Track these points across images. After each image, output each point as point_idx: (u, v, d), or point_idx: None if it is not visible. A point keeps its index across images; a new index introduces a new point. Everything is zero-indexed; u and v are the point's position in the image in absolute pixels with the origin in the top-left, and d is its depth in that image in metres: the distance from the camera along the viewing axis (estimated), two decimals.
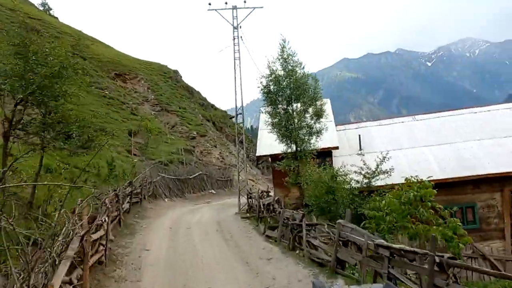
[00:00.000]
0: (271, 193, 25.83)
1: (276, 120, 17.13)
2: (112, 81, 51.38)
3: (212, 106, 67.36)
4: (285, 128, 16.91)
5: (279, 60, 16.98)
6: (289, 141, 16.92)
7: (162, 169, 32.17)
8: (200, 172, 35.47)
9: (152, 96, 54.38)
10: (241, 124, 26.30)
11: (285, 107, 17.35)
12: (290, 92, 16.88)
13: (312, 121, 17.37)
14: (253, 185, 47.16)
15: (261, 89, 17.19)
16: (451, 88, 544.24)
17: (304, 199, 16.66)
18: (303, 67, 17.19)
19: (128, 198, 17.73)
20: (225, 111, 68.47)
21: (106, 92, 42.59)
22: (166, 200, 26.23)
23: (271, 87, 17.21)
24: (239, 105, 24.74)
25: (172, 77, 64.14)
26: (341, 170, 17.53)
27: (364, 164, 17.89)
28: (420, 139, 23.58)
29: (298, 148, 17.17)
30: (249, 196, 19.61)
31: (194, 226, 16.87)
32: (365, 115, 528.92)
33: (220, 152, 50.95)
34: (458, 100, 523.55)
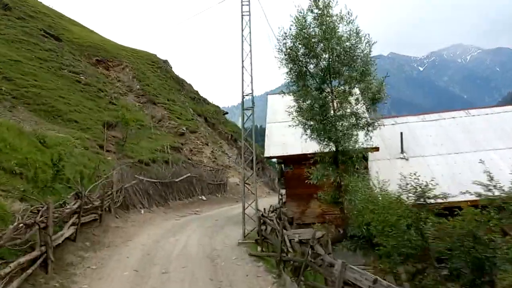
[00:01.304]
0: (280, 207, 19.67)
1: (306, 104, 10.84)
2: (93, 67, 44.80)
3: (204, 100, 60.96)
4: (322, 116, 10.67)
5: (310, 11, 10.71)
6: (324, 137, 10.69)
7: (141, 170, 25.82)
8: (189, 174, 29.15)
9: (138, 86, 47.87)
10: (247, 124, 17.54)
11: (318, 85, 11.16)
12: (329, 60, 10.74)
13: (358, 106, 11.21)
14: (249, 190, 40.98)
15: (283, 58, 10.94)
16: (442, 93, 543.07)
17: (349, 228, 10.38)
18: (351, 22, 11.01)
19: (75, 218, 11.47)
20: (218, 107, 62.12)
21: (81, 77, 36.05)
22: (142, 211, 19.90)
23: (300, 50, 10.97)
24: (246, 92, 16.82)
25: (161, 67, 57.64)
26: (379, 180, 11.45)
27: (414, 174, 11.73)
28: (482, 140, 17.60)
29: (340, 148, 10.98)
30: (261, 221, 12.80)
31: (174, 266, 10.64)
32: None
33: (212, 151, 44.66)
34: (449, 104, 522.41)
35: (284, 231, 9.60)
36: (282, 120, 19.23)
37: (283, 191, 31.79)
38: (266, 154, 17.42)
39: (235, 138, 55.87)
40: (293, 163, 17.34)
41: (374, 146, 15.83)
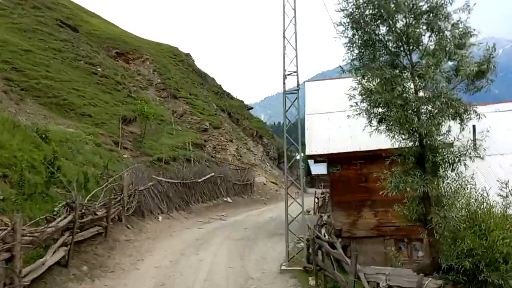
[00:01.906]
0: (323, 216, 16.55)
1: (376, 82, 7.70)
2: (112, 60, 42.49)
3: (228, 94, 58.13)
4: (403, 99, 7.46)
5: None
6: (404, 128, 7.51)
7: (160, 170, 23.09)
8: (212, 174, 26.27)
9: (159, 80, 45.40)
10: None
11: (391, 58, 7.99)
12: (406, 24, 7.53)
13: (447, 85, 7.95)
14: (277, 191, 38.00)
15: (344, 21, 7.81)
16: None
17: (441, 257, 7.21)
18: None
19: (67, 236, 8.66)
20: (242, 101, 59.19)
21: (98, 69, 33.61)
22: (160, 218, 17.08)
23: (367, 10, 7.80)
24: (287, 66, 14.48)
25: (183, 60, 55.11)
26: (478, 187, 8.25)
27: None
28: None
29: (428, 143, 7.77)
30: (316, 246, 9.28)
31: None
32: None
33: (236, 148, 41.78)
34: (480, 100, 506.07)
35: (359, 267, 6.45)
36: (324, 111, 16.09)
37: (318, 191, 28.68)
38: (308, 152, 14.29)
39: (260, 135, 52.89)
40: (340, 163, 14.18)
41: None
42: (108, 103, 28.90)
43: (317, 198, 25.46)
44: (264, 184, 36.84)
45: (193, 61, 58.03)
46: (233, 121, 51.02)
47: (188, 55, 57.87)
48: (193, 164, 27.47)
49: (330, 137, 14.34)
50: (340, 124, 14.89)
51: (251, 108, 59.75)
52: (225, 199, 26.76)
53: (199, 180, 24.24)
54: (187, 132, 35.41)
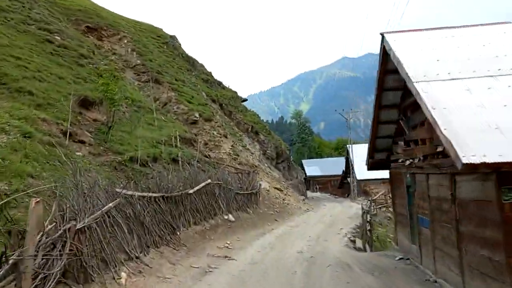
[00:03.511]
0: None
1: None
2: (81, 35, 33.83)
3: (219, 84, 49.93)
4: None
5: None
6: None
7: (133, 176, 14.91)
8: (209, 181, 18.19)
9: (138, 61, 36.94)
10: None
11: None
12: None
13: None
14: (284, 200, 30.08)
15: None
16: None
17: None
18: None
19: None
20: (236, 92, 51.09)
21: (56, 37, 25.03)
22: (124, 274, 8.96)
23: None
24: None
25: (168, 42, 46.67)
26: None
27: None
28: None
29: None
30: None
31: None
32: (362, 115, 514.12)
33: (232, 145, 33.72)
34: None
35: None
36: (454, 75, 8.15)
37: (363, 201, 20.93)
38: (462, 155, 6.38)
39: (256, 131, 44.83)
40: None
41: None
42: (63, 79, 20.41)
43: (367, 213, 17.66)
44: (267, 191, 28.87)
45: (179, 44, 49.61)
46: (226, 114, 42.89)
47: (173, 37, 49.44)
48: (181, 166, 19.34)
49: (498, 125, 6.46)
50: (495, 99, 7.14)
51: (246, 100, 51.68)
52: (226, 216, 18.64)
53: (191, 191, 16.10)
54: (172, 123, 27.18)
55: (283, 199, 28.64)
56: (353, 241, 15.46)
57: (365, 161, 14.78)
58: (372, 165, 14.16)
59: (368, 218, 14.77)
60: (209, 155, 25.90)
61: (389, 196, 25.30)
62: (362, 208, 20.45)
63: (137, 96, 27.21)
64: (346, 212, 27.14)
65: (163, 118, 26.15)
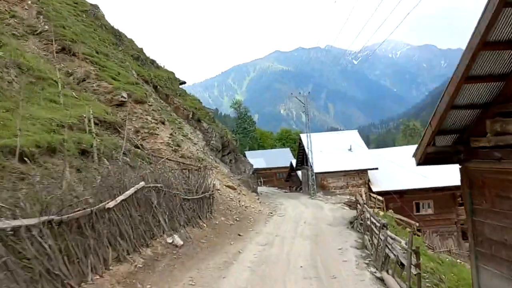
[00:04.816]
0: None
1: None
2: None
3: (153, 62, 42.16)
4: None
5: None
6: None
7: (10, 181, 7.73)
8: (142, 185, 11.35)
9: (46, 27, 28.35)
10: None
11: None
12: None
13: None
14: (240, 202, 23.60)
15: None
16: (374, 86, 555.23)
17: None
18: None
19: None
20: (173, 73, 43.55)
21: None
22: None
23: None
24: None
25: (87, 11, 37.97)
26: None
27: None
28: None
29: None
30: None
31: None
32: (294, 107, 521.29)
33: (171, 134, 26.65)
34: (380, 97, 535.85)
35: None
36: None
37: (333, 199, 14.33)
38: None
39: (198, 118, 37.85)
40: None
41: None
42: None
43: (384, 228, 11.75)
44: (218, 190, 22.25)
45: (103, 15, 40.98)
46: (162, 97, 35.44)
47: (95, 6, 40.68)
48: (97, 160, 12.24)
49: None
50: None
51: (184, 82, 44.34)
52: (170, 239, 11.85)
53: (111, 205, 9.21)
54: (90, 102, 19.60)
55: (239, 201, 22.23)
56: (380, 279, 9.54)
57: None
58: (427, 157, 8.19)
59: (404, 245, 8.78)
60: (141, 145, 18.79)
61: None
62: (358, 213, 14.76)
63: (36, 64, 19.28)
64: (319, 215, 21.46)
65: (73, 94, 18.52)
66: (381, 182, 34.63)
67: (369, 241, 12.57)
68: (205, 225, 14.90)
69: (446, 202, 35.35)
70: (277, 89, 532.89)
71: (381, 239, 10.87)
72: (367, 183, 34.98)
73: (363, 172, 34.86)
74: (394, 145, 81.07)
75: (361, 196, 19.51)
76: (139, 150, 17.08)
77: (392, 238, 10.14)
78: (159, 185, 12.67)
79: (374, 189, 33.66)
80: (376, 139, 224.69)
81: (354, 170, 34.60)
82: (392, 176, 35.10)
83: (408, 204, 34.50)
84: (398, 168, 34.96)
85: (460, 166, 7.96)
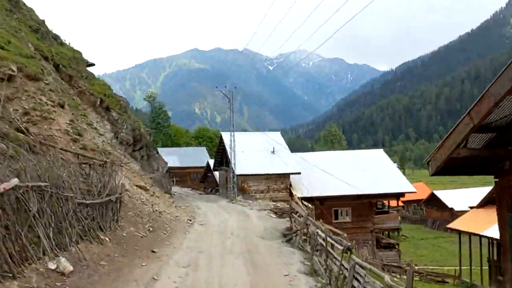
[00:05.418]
0: None
1: None
2: None
3: (55, 38, 36.18)
4: None
5: None
6: None
7: None
8: (15, 182, 7.57)
9: None
10: None
11: None
12: None
13: None
14: (153, 206, 19.88)
15: None
16: (287, 93, 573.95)
17: None
18: None
19: None
20: (80, 52, 37.84)
21: None
22: None
23: None
24: None
25: None
26: None
27: None
28: None
29: None
30: None
31: None
32: (209, 107, 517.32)
33: (71, 120, 22.06)
34: (292, 104, 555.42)
35: None
36: None
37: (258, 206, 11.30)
38: None
39: (107, 106, 32.94)
40: None
41: None
42: None
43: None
44: (127, 191, 18.39)
45: None
46: (64, 79, 30.06)
47: None
48: None
49: None
50: None
51: (93, 64, 38.86)
52: (53, 264, 8.16)
53: None
54: None
55: (152, 205, 18.57)
56: None
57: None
58: (450, 164, 5.74)
59: (390, 282, 6.27)
60: (26, 129, 14.36)
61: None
62: (294, 222, 12.11)
63: None
64: (246, 224, 18.67)
65: None
66: (303, 187, 33.13)
67: (322, 265, 10.07)
68: (108, 239, 11.27)
69: (364, 210, 35.03)
70: (193, 87, 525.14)
71: (344, 267, 8.39)
72: (289, 188, 33.25)
73: (285, 177, 33.05)
74: (308, 151, 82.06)
75: (298, 203, 17.16)
76: (22, 135, 12.78)
77: (361, 267, 7.69)
78: (43, 184, 8.87)
79: (295, 195, 32.02)
80: (287, 144, 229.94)
81: (277, 174, 32.64)
82: (313, 182, 33.85)
83: (327, 211, 33.48)
84: (320, 174, 33.81)
85: (497, 179, 5.70)
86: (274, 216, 20.88)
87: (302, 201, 19.63)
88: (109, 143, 26.86)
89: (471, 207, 67.14)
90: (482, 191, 71.62)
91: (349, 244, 8.63)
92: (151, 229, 14.38)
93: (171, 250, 12.69)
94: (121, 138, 32.26)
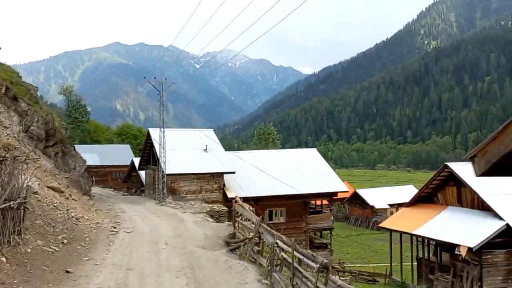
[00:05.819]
0: None
1: None
2: None
3: None
4: None
5: None
6: None
7: None
8: None
9: None
10: None
11: None
12: None
13: None
14: (69, 211, 16.66)
15: None
16: (213, 92, 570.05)
17: None
18: None
19: None
20: None
21: None
22: None
23: None
24: None
25: None
26: None
27: None
28: None
29: None
30: None
31: None
32: (132, 104, 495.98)
33: None
34: (218, 103, 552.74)
35: None
36: None
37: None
38: None
39: (14, 95, 28.32)
40: None
41: None
42: None
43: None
44: (36, 194, 15.15)
45: None
46: None
47: None
48: None
49: None
50: None
51: None
52: None
53: None
54: None
55: (68, 210, 15.49)
56: None
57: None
58: (506, 161, 4.18)
59: None
60: None
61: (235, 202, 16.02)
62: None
63: None
64: (182, 230, 16.24)
65: None
66: (237, 187, 31.37)
67: (286, 285, 8.26)
68: (4, 258, 8.45)
69: (298, 210, 34.20)
70: (114, 82, 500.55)
71: None
72: (222, 188, 31.29)
73: (218, 176, 31.01)
74: (235, 150, 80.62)
75: (243, 206, 15.24)
76: None
77: None
78: None
79: (229, 195, 30.17)
80: None
81: (210, 173, 30.49)
82: (248, 182, 32.29)
83: (262, 212, 32.11)
84: (254, 173, 32.36)
85: None
86: (211, 220, 18.79)
87: (244, 202, 17.78)
88: (15, 137, 22.82)
89: (390, 205, 70.05)
90: (398, 190, 75.36)
91: (326, 261, 6.93)
92: (65, 241, 11.57)
93: (91, 268, 10.11)
94: (32, 132, 28.01)
